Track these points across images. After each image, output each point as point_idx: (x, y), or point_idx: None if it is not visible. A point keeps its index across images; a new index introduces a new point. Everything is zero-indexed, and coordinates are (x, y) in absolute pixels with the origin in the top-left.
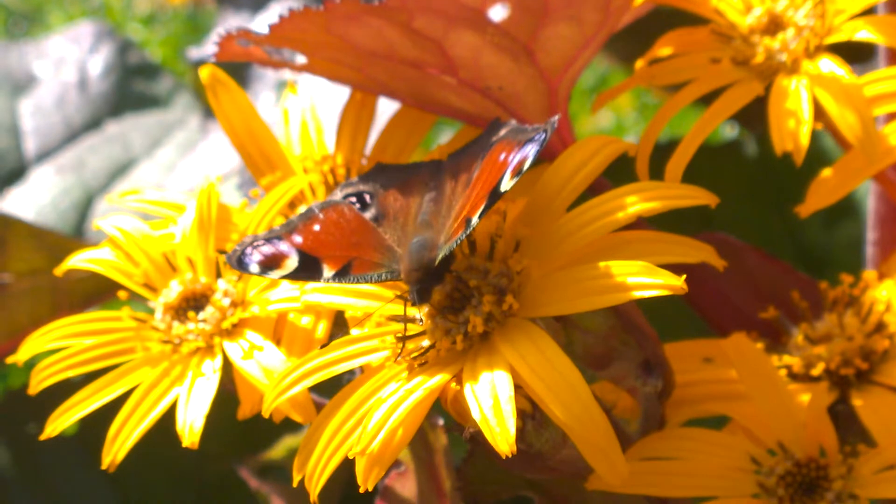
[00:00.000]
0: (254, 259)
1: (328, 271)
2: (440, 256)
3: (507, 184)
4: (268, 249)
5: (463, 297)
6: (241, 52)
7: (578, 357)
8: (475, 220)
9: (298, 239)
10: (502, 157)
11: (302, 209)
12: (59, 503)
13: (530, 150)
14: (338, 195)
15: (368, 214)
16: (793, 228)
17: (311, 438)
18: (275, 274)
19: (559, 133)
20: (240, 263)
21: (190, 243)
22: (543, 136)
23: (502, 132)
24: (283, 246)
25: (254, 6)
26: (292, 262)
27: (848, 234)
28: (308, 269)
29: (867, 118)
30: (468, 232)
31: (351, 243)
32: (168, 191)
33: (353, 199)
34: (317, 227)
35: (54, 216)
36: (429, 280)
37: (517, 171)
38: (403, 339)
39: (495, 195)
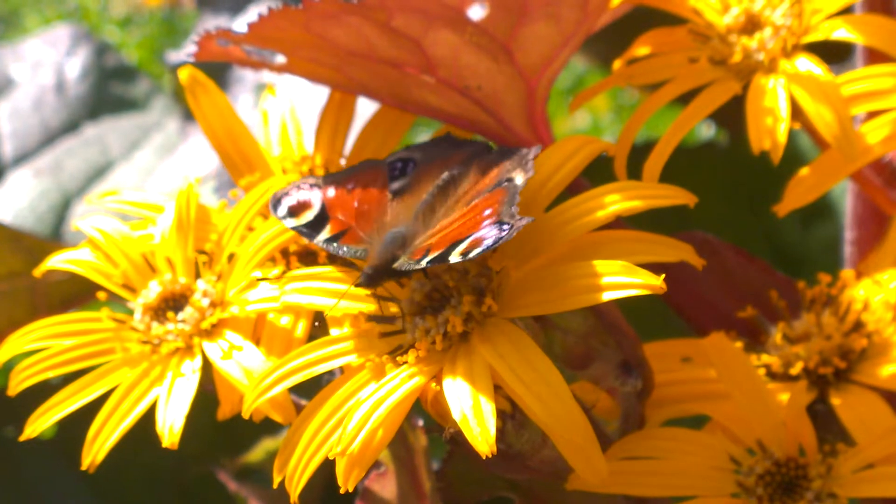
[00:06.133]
0: (287, 202)
1: (324, 234)
2: (395, 265)
3: (454, 257)
4: (304, 196)
5: (442, 298)
6: (221, 51)
7: (558, 357)
8: (423, 263)
9: (331, 192)
10: (486, 212)
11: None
12: None
13: (490, 239)
14: (389, 157)
15: (397, 184)
16: (769, 228)
17: (291, 439)
18: (289, 221)
19: (537, 133)
20: (275, 203)
21: (169, 244)
22: (509, 227)
23: (505, 166)
24: (316, 195)
25: (233, 8)
26: (309, 215)
27: (823, 234)
28: (315, 227)
29: (844, 117)
30: (415, 269)
31: (360, 211)
32: (147, 192)
33: (399, 164)
34: (350, 186)
35: (32, 219)
36: (383, 274)
37: (466, 251)
38: (384, 335)
39: (442, 258)
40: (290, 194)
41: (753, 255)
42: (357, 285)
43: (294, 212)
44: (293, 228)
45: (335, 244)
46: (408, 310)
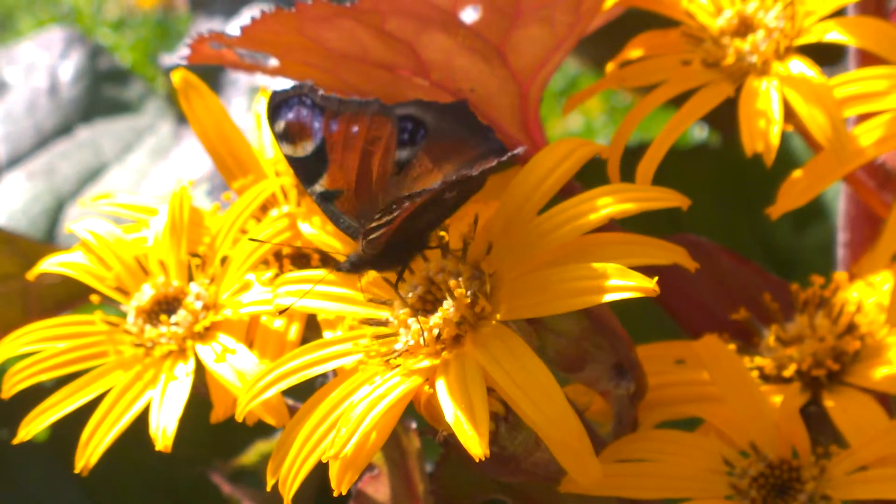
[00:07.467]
0: (286, 115)
1: (319, 186)
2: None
3: None
4: (305, 114)
5: (436, 300)
6: (214, 54)
7: (551, 360)
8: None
9: (334, 126)
10: None
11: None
12: None
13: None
14: (396, 110)
15: (404, 154)
16: (761, 231)
17: (284, 442)
18: (285, 147)
19: (530, 136)
20: (274, 109)
21: (162, 247)
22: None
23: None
24: (318, 123)
25: (226, 12)
26: (307, 147)
27: (816, 237)
28: (308, 168)
29: (837, 119)
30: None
31: (360, 172)
32: (140, 195)
33: (409, 125)
34: (356, 128)
35: (25, 222)
36: (367, 265)
37: None
38: (377, 338)
39: None
40: (291, 104)
41: (746, 258)
42: (338, 269)
43: (291, 133)
44: (287, 157)
45: (331, 206)
46: (401, 312)
